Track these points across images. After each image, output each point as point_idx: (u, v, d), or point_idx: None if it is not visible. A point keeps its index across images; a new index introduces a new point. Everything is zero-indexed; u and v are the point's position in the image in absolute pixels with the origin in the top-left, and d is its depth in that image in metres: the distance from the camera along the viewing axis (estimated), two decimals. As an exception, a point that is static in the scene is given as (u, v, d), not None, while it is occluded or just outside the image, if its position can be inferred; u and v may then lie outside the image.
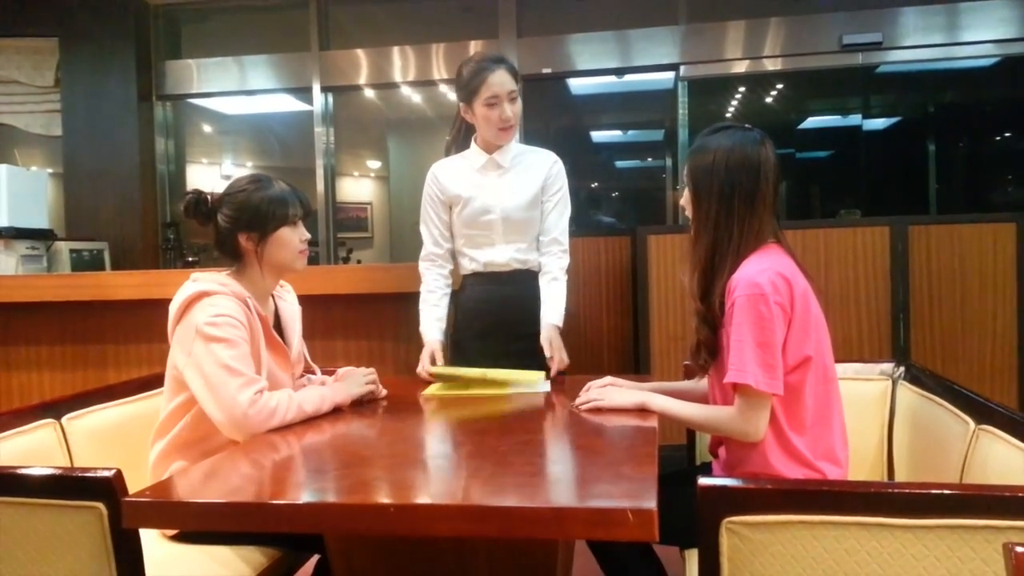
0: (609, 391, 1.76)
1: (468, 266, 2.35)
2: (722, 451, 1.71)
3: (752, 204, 1.59)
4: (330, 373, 2.20)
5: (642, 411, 1.67)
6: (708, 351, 1.64)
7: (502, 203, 2.28)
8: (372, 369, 1.95)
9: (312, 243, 1.93)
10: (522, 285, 2.31)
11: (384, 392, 1.95)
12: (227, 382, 1.62)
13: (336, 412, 1.79)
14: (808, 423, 1.55)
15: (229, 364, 1.64)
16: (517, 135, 2.36)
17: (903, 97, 5.65)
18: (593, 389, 1.78)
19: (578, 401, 1.76)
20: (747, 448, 1.57)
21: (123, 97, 4.97)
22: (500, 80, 2.17)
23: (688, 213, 1.70)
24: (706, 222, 1.62)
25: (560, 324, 2.21)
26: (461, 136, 2.39)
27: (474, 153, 2.34)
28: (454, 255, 2.39)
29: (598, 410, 1.70)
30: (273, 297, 1.95)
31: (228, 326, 1.67)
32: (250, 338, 1.73)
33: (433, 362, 2.18)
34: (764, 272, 1.52)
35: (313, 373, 2.07)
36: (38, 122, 5.14)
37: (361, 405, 1.87)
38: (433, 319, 2.30)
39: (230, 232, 1.81)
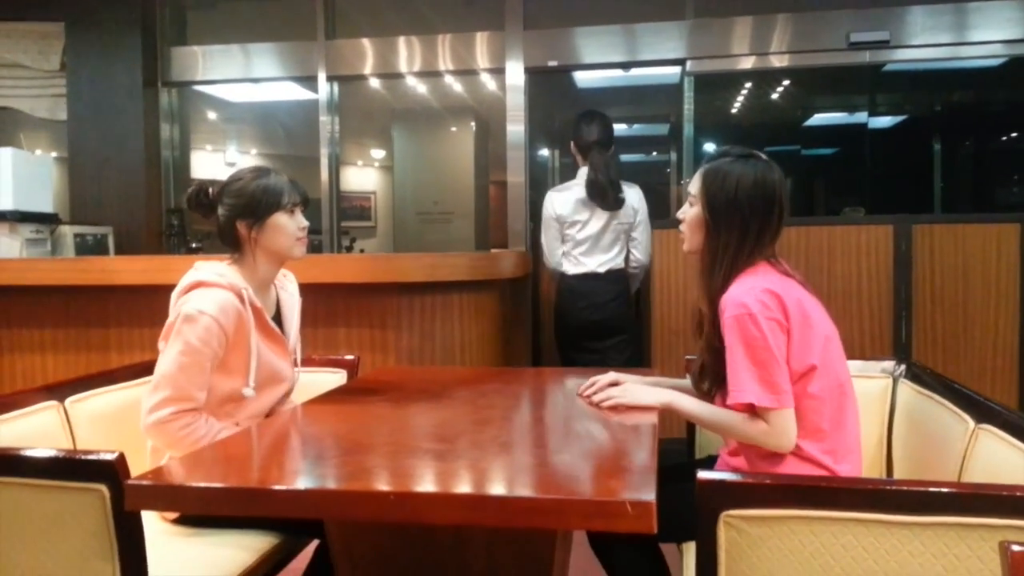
0: (631, 388, 1.71)
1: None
2: (741, 461, 1.67)
3: (761, 236, 1.60)
4: (333, 363, 2.20)
5: (650, 408, 1.64)
6: (714, 377, 1.63)
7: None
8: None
9: (315, 231, 1.94)
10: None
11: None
12: (160, 387, 1.67)
13: (337, 400, 1.79)
14: (824, 430, 1.55)
15: (174, 372, 1.67)
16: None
17: (910, 96, 5.63)
18: (615, 387, 1.73)
19: (597, 397, 1.71)
20: (766, 459, 1.57)
21: (129, 83, 4.96)
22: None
23: (684, 227, 1.69)
24: (724, 251, 1.61)
25: None
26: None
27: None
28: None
29: (617, 407, 1.66)
30: (275, 287, 1.96)
31: (203, 328, 1.68)
32: (238, 329, 1.74)
33: None
34: (751, 291, 1.52)
35: (296, 365, 2.01)
36: (43, 106, 5.12)
37: (366, 393, 1.86)
38: None
39: (229, 220, 1.82)
